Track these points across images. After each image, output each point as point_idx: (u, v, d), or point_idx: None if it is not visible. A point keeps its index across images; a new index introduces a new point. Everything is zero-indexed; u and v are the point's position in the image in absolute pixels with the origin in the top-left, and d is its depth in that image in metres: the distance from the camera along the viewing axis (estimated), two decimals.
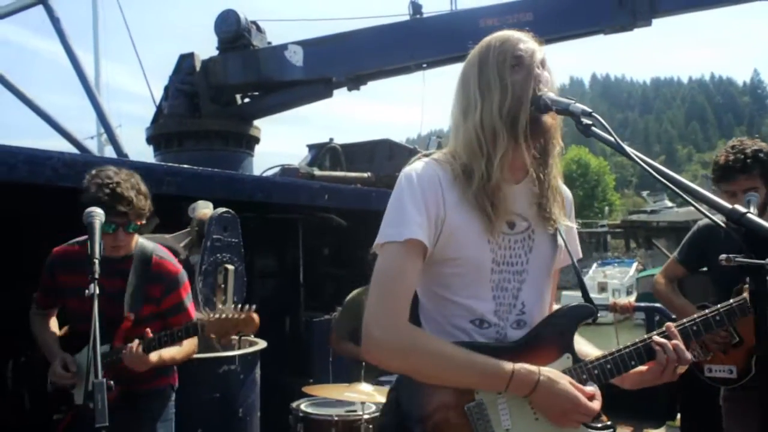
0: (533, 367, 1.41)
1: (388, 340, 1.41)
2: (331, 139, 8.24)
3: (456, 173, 1.49)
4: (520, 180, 1.54)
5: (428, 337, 1.47)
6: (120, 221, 2.30)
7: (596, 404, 1.44)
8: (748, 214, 0.96)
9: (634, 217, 40.02)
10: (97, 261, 1.79)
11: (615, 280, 27.84)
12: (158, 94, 8.12)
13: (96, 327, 1.61)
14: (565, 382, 1.43)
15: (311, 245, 6.53)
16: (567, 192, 1.67)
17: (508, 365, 1.40)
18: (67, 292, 2.44)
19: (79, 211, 2.24)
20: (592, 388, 1.46)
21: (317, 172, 7.45)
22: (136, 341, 2.34)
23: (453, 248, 1.47)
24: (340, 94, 7.56)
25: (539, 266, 1.55)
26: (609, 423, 1.50)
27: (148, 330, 2.36)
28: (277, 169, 7.58)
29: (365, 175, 7.76)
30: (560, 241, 1.58)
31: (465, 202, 1.47)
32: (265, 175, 7.30)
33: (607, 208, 56.40)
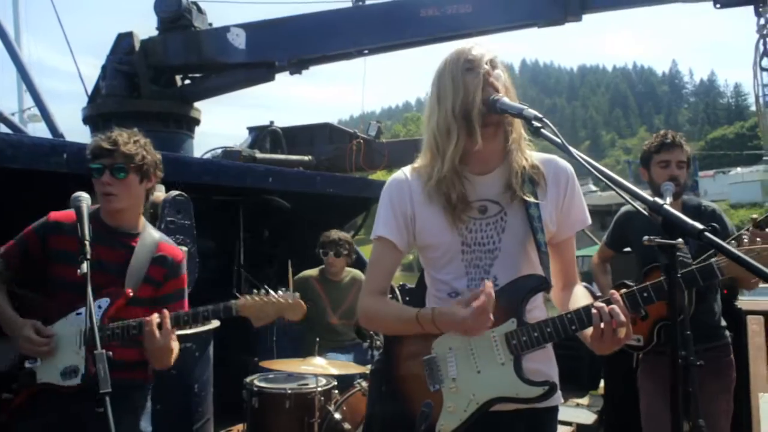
0: (429, 310, 1.70)
1: (362, 309, 1.88)
2: (272, 122, 8.29)
3: (423, 175, 1.79)
4: (490, 170, 1.78)
5: (381, 303, 1.84)
6: (106, 162, 2.20)
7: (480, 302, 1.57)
8: (665, 205, 1.22)
9: None
10: (87, 242, 1.89)
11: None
12: (86, 71, 7.93)
13: (90, 303, 1.73)
14: (452, 306, 1.63)
15: (252, 227, 6.62)
16: (558, 166, 1.82)
17: (414, 312, 1.72)
18: (58, 256, 2.27)
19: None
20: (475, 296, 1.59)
21: (259, 154, 7.52)
22: (165, 311, 2.20)
23: (426, 237, 1.81)
24: (281, 75, 7.61)
25: (512, 244, 1.77)
26: (548, 381, 1.69)
27: (165, 311, 2.21)
28: (218, 151, 7.60)
29: (306, 158, 7.87)
30: (539, 215, 1.74)
31: (429, 198, 1.77)
32: (206, 157, 7.31)
33: None
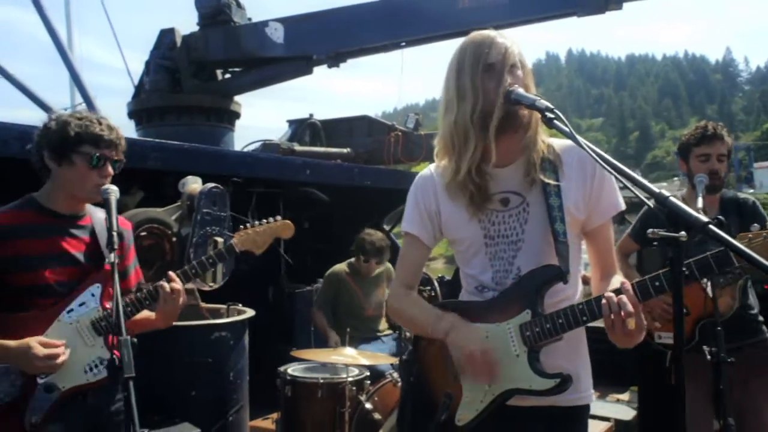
0: (447, 323, 1.74)
1: (389, 301, 2.00)
2: (311, 115, 8.37)
3: (445, 171, 1.81)
4: (510, 162, 1.76)
5: (407, 300, 1.90)
6: (109, 154, 2.13)
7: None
8: (671, 197, 1.19)
9: None
10: (115, 233, 1.94)
11: (585, 254, 28.37)
12: (135, 67, 8.15)
13: (118, 289, 1.77)
14: (465, 338, 1.69)
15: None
16: (582, 152, 1.62)
17: (435, 324, 1.77)
18: (18, 263, 2.04)
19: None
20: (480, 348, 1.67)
21: (297, 147, 7.60)
22: (171, 273, 2.23)
23: (451, 232, 1.85)
24: (319, 68, 7.67)
25: (535, 234, 1.75)
26: (561, 372, 1.66)
27: (171, 273, 2.23)
28: (258, 144, 7.70)
29: (344, 150, 7.91)
30: (560, 204, 1.71)
31: (451, 193, 1.80)
32: (246, 150, 7.43)
33: None
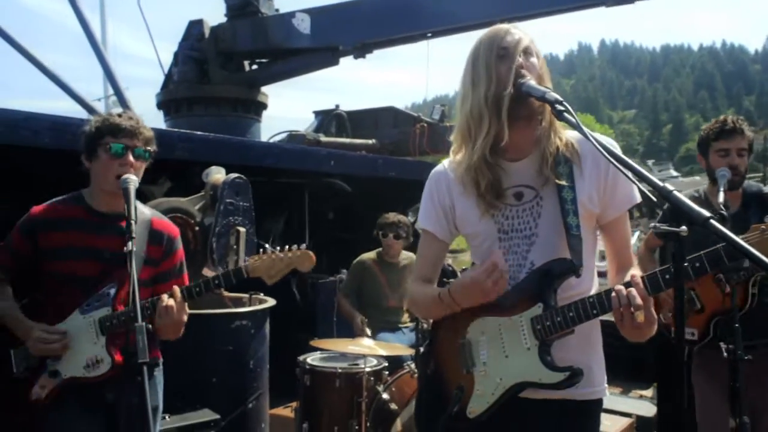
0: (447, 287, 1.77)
1: (408, 294, 2.06)
2: (337, 106, 8.40)
3: (457, 164, 1.82)
4: (524, 156, 1.76)
5: (421, 288, 1.90)
6: (129, 143, 2.17)
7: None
8: (674, 192, 1.18)
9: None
10: (133, 222, 1.98)
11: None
12: (164, 57, 8.26)
13: (135, 279, 1.82)
14: (465, 276, 1.73)
15: (317, 209, 6.76)
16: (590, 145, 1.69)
17: (437, 291, 1.80)
18: (53, 252, 2.21)
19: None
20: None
21: (323, 138, 7.63)
22: (175, 288, 2.21)
23: (465, 226, 1.85)
24: (346, 59, 7.68)
25: (549, 229, 1.74)
26: (572, 366, 1.65)
27: (175, 287, 2.22)
28: (284, 135, 7.76)
29: (370, 141, 7.93)
30: (573, 197, 1.71)
31: (464, 187, 1.80)
32: (272, 140, 7.49)
33: None
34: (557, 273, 1.69)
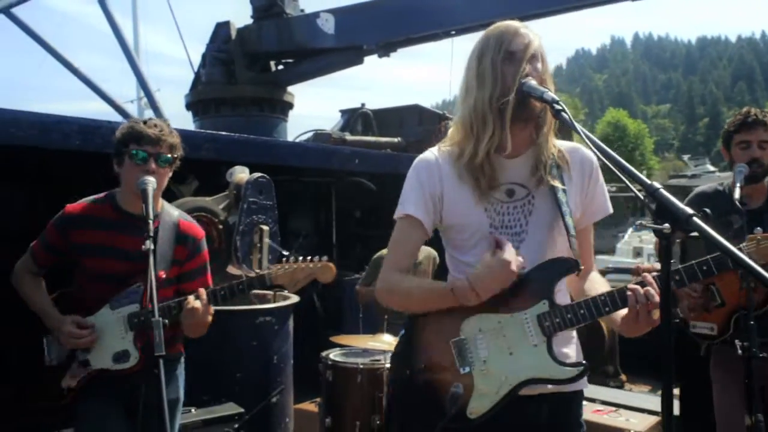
0: (462, 277, 1.70)
1: (382, 286, 1.84)
2: (363, 105, 8.44)
3: (453, 155, 1.79)
4: (519, 154, 1.77)
5: (404, 279, 1.81)
6: (152, 150, 2.26)
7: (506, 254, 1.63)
8: (660, 190, 1.20)
9: (674, 181, 39.14)
10: (150, 221, 2.06)
11: (650, 245, 27.52)
12: (195, 57, 8.41)
13: (152, 277, 1.90)
14: (482, 262, 1.66)
15: (343, 207, 6.82)
16: (583, 155, 1.83)
17: (446, 285, 1.72)
18: (84, 249, 2.33)
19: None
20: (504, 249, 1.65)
21: (349, 137, 7.69)
22: (202, 290, 2.30)
23: (453, 217, 1.79)
24: (371, 57, 7.72)
25: (538, 228, 1.77)
26: (581, 362, 1.70)
27: (201, 290, 2.30)
28: (310, 134, 7.84)
29: (395, 140, 7.95)
30: (567, 200, 1.75)
31: (459, 178, 1.77)
32: (298, 140, 7.58)
33: (645, 172, 55.26)
34: (561, 271, 1.72)
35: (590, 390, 4.71)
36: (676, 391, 5.45)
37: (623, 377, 6.34)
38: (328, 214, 6.81)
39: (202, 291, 2.29)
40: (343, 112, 8.59)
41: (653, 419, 4.42)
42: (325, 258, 2.44)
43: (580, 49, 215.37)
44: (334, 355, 3.80)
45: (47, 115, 3.75)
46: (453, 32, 7.14)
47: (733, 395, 2.61)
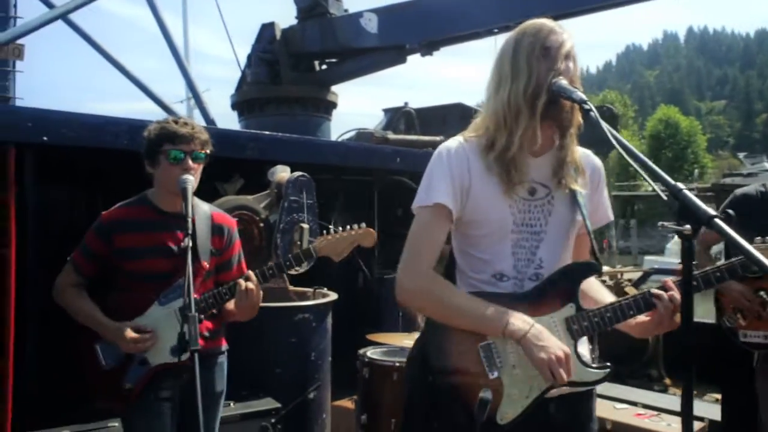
0: (526, 322, 1.64)
1: (411, 285, 1.73)
2: (406, 104, 8.46)
3: (482, 146, 1.76)
4: (543, 153, 1.78)
5: (444, 285, 1.73)
6: (186, 148, 2.31)
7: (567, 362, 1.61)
8: (684, 190, 1.19)
9: (728, 180, 37.87)
10: (190, 220, 2.13)
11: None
12: (242, 56, 8.59)
13: (190, 273, 1.96)
14: (548, 337, 1.62)
15: (384, 206, 6.85)
16: (594, 163, 1.89)
17: (505, 318, 1.64)
18: (128, 253, 2.38)
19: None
20: (567, 350, 1.62)
21: (391, 135, 7.72)
22: (250, 272, 2.39)
23: (478, 211, 1.74)
24: (414, 56, 7.74)
25: (558, 228, 1.79)
26: (607, 364, 1.70)
27: (250, 272, 2.40)
28: (352, 133, 7.91)
29: (438, 138, 7.93)
30: (585, 202, 1.78)
31: (488, 171, 1.74)
32: (341, 139, 7.65)
33: (697, 171, 53.75)
34: (584, 273, 1.73)
35: (633, 393, 4.66)
36: (718, 396, 5.33)
37: (667, 381, 6.21)
38: (370, 213, 6.85)
39: (251, 273, 2.38)
40: (386, 110, 8.62)
41: (697, 425, 4.32)
42: (363, 224, 2.54)
43: (631, 45, 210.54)
44: (371, 352, 3.83)
45: (99, 117, 3.90)
46: (495, 30, 7.08)
47: None
